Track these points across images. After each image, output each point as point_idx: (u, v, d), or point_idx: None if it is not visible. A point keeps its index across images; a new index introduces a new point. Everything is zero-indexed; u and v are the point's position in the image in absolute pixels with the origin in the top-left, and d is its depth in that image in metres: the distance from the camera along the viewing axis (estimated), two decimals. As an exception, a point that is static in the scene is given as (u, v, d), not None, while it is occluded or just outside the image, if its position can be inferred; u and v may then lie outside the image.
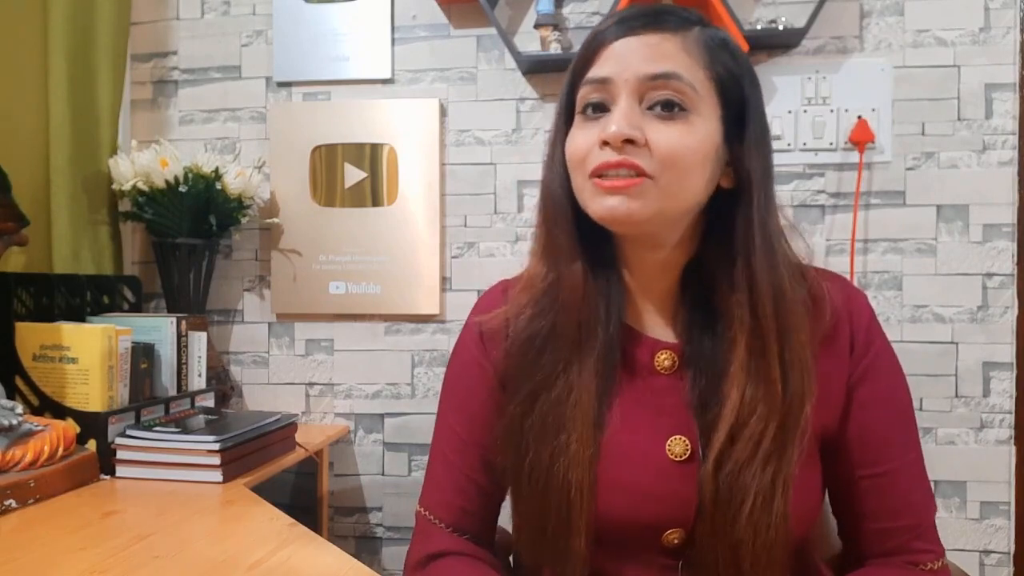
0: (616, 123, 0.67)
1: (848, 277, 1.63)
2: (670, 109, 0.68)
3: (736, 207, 0.72)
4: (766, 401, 0.68)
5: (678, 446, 0.72)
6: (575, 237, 0.75)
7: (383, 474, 1.79)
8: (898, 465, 0.74)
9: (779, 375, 0.69)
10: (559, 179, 0.75)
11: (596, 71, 0.71)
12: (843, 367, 0.74)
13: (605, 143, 0.68)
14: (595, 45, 0.72)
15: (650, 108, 0.69)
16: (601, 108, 0.71)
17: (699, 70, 0.69)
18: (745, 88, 0.72)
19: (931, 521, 0.76)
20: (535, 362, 0.75)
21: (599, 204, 0.69)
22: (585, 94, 0.72)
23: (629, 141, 0.67)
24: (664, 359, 0.75)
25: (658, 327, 0.78)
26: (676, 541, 0.72)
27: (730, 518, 0.67)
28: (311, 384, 1.80)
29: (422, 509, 0.84)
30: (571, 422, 0.72)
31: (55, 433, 1.09)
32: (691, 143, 0.68)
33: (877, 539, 0.75)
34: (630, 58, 0.69)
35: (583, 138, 0.71)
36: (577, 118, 0.73)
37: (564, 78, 0.77)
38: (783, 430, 0.68)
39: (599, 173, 0.68)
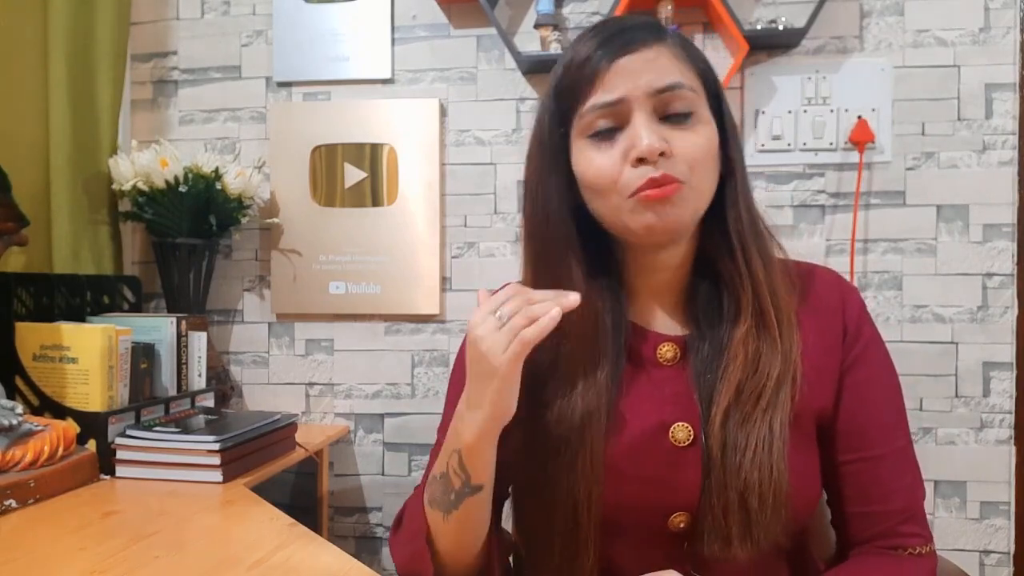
0: (648, 138, 0.69)
1: (848, 277, 1.63)
2: (680, 119, 0.72)
3: (724, 189, 0.76)
4: (767, 356, 0.73)
5: (681, 432, 0.74)
6: (579, 262, 0.76)
7: (383, 474, 1.79)
8: (886, 450, 0.77)
9: (777, 334, 0.73)
10: (558, 207, 0.76)
11: (603, 96, 0.71)
12: (836, 354, 0.78)
13: (640, 160, 0.69)
14: (589, 71, 0.72)
15: (663, 119, 0.71)
16: (611, 130, 0.72)
17: (690, 72, 0.73)
18: (717, 78, 0.77)
19: (919, 507, 0.78)
20: (537, 390, 0.75)
21: (644, 218, 0.71)
22: (592, 120, 0.72)
23: (661, 154, 0.69)
24: (667, 351, 0.78)
25: (662, 320, 0.80)
26: (682, 525, 0.74)
27: (736, 464, 0.70)
28: (311, 384, 1.80)
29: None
30: (578, 438, 0.73)
31: (55, 433, 1.09)
32: (705, 143, 0.72)
33: (865, 523, 0.77)
34: (635, 76, 0.71)
35: (604, 159, 0.72)
36: (583, 142, 0.74)
37: (547, 105, 0.76)
38: (779, 380, 0.72)
39: (645, 189, 0.70)
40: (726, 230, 0.75)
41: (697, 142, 0.71)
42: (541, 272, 0.78)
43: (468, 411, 0.69)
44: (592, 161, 0.73)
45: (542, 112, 0.77)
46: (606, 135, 0.72)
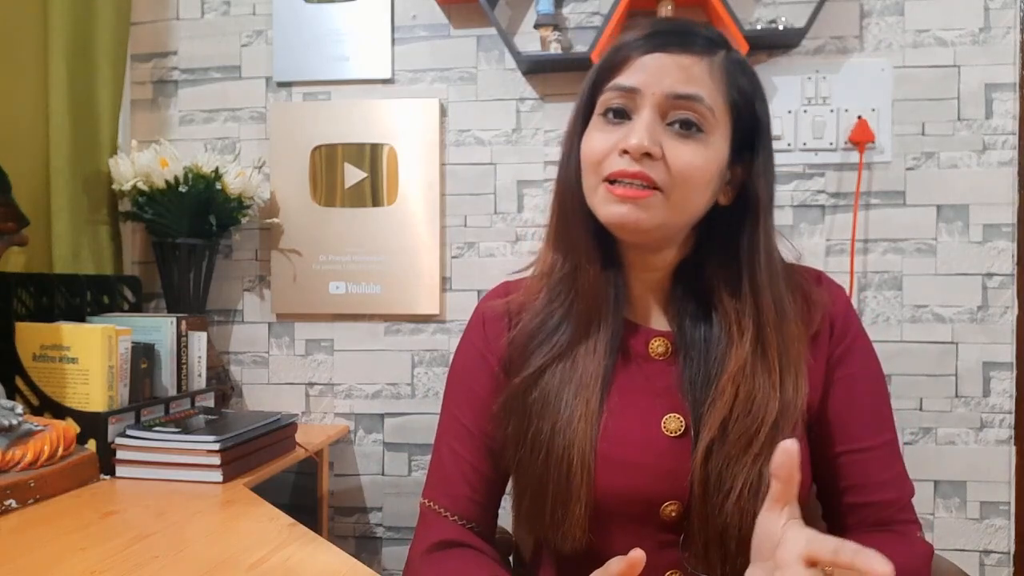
0: (638, 136, 0.70)
1: (848, 277, 1.63)
2: (688, 128, 0.72)
3: (741, 225, 0.76)
4: (762, 402, 0.72)
5: (673, 423, 0.76)
6: (592, 230, 0.78)
7: (383, 474, 1.79)
8: (875, 442, 0.78)
9: (778, 380, 0.73)
10: (575, 175, 0.79)
11: (624, 79, 0.73)
12: (823, 350, 0.79)
13: (624, 152, 0.71)
14: (624, 54, 0.74)
15: (670, 124, 0.72)
16: (622, 114, 0.74)
17: (719, 95, 0.73)
18: (757, 109, 0.76)
19: (909, 500, 0.79)
20: (546, 341, 0.79)
21: (609, 209, 0.73)
22: (609, 98, 0.75)
23: (647, 155, 0.70)
24: (658, 345, 0.80)
25: (652, 316, 0.82)
26: (674, 514, 0.75)
27: (718, 504, 0.71)
28: (311, 384, 1.80)
29: (427, 500, 0.85)
30: (576, 398, 0.75)
31: (55, 433, 1.09)
32: (703, 162, 0.72)
33: (862, 513, 0.78)
34: (660, 74, 0.72)
35: (601, 141, 0.74)
36: (597, 119, 0.76)
37: (586, 77, 0.79)
38: (775, 428, 0.72)
39: (613, 179, 0.72)
40: (734, 264, 0.76)
41: (693, 156, 0.71)
42: (561, 234, 0.80)
43: None
44: (592, 138, 0.75)
45: (584, 83, 0.80)
46: (615, 119, 0.74)
